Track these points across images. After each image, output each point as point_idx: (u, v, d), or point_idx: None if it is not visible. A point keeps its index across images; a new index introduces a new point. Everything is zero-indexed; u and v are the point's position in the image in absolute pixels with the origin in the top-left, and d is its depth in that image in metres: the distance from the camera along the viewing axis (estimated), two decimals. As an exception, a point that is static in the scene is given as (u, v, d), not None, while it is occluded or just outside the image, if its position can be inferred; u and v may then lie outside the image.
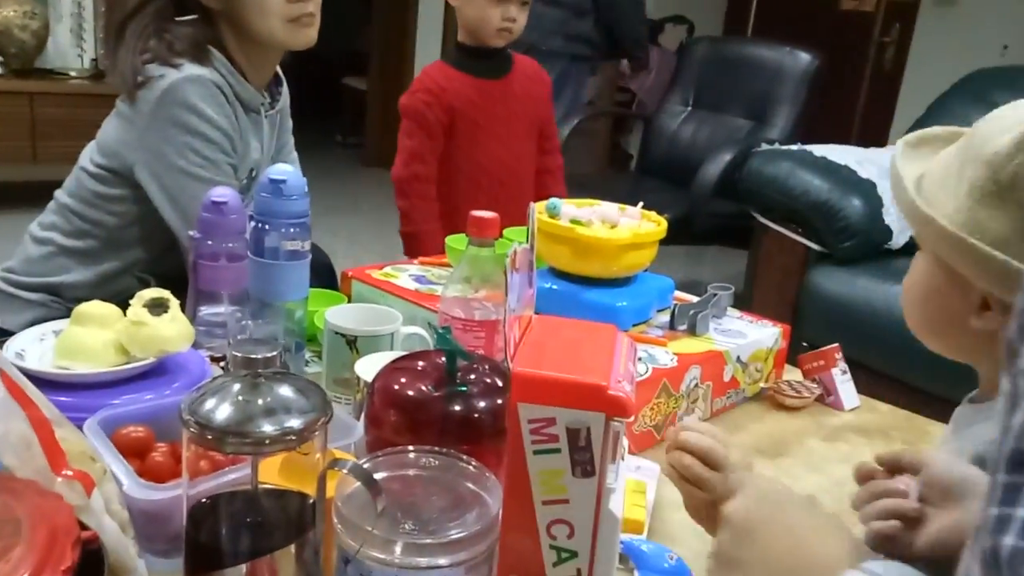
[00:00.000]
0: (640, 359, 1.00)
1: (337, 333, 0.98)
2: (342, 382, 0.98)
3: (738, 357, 1.07)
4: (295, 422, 0.56)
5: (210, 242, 1.10)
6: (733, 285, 1.16)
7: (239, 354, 0.55)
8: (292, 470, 0.63)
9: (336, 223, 3.99)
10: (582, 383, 0.53)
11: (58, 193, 1.35)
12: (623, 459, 0.61)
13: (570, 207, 1.11)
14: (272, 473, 0.66)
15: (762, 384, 1.12)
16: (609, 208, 1.12)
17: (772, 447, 1.00)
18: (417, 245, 1.75)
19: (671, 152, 2.89)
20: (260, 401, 0.56)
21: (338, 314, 1.01)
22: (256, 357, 0.55)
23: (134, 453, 0.76)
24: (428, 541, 0.61)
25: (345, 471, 0.58)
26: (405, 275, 1.24)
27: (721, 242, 2.76)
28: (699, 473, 0.61)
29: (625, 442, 0.65)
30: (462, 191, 1.75)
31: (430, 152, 1.69)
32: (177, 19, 1.29)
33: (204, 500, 0.60)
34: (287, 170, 1.01)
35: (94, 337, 0.81)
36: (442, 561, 0.60)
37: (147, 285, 1.39)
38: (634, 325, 1.10)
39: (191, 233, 1.11)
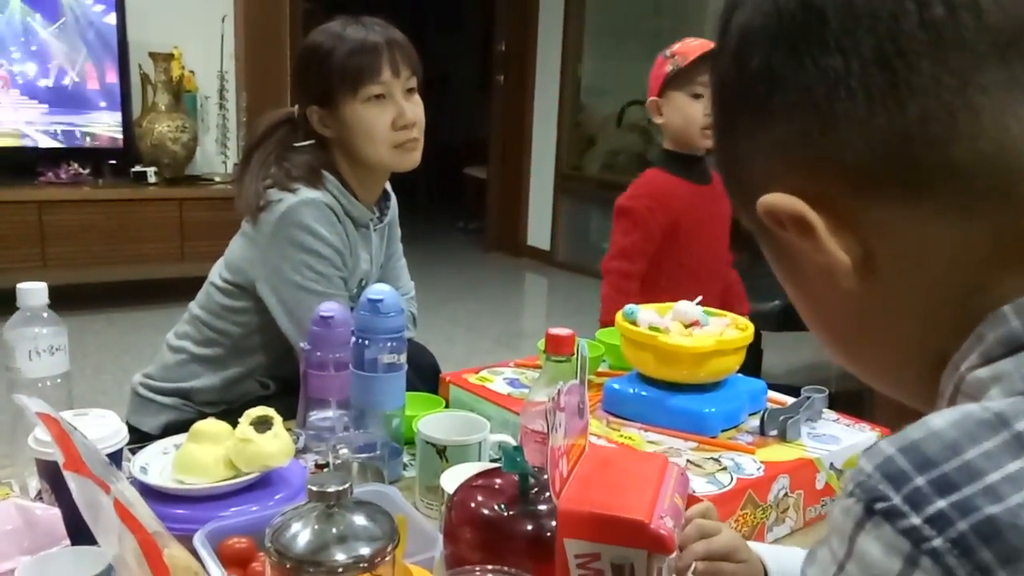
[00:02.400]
0: (724, 468, 1.00)
1: (428, 443, 1.04)
2: (433, 490, 1.03)
3: (831, 464, 1.05)
4: (365, 550, 0.61)
5: (319, 353, 1.19)
6: (826, 387, 1.14)
7: (314, 488, 0.61)
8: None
9: (457, 309, 4.12)
10: (624, 519, 0.55)
11: (191, 306, 1.50)
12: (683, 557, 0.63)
13: (648, 312, 1.14)
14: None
15: (860, 492, 1.08)
16: (685, 306, 1.13)
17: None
18: None
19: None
20: (334, 530, 0.61)
21: (430, 424, 1.06)
22: (329, 491, 0.61)
23: (237, 563, 0.82)
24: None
25: (413, 595, 0.62)
26: (500, 379, 1.29)
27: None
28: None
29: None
30: (663, 288, 1.78)
31: (641, 253, 1.75)
32: (296, 145, 1.43)
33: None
34: (384, 290, 1.09)
35: (207, 453, 0.90)
36: None
37: (267, 388, 1.51)
38: (723, 431, 1.10)
39: (302, 345, 1.21)
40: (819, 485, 1.04)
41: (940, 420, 0.32)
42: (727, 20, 0.40)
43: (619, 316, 1.16)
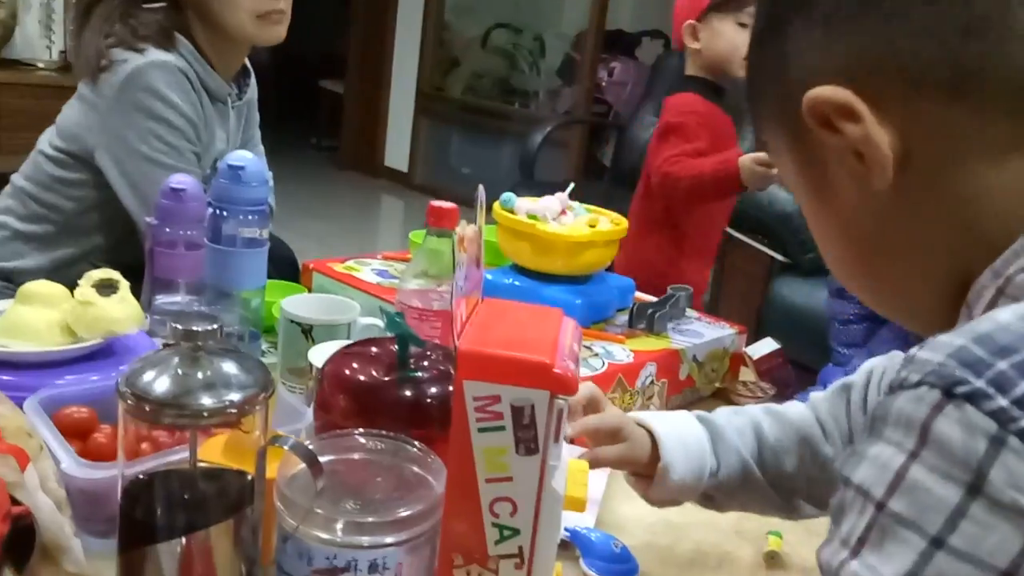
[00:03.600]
0: (596, 355, 1.00)
1: (292, 322, 0.97)
2: (296, 371, 0.97)
3: (694, 356, 1.08)
4: (235, 396, 0.55)
5: (168, 229, 1.09)
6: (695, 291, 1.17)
7: (180, 326, 0.54)
8: (235, 451, 0.62)
9: (308, 226, 3.96)
10: (527, 360, 0.53)
11: (14, 177, 1.33)
12: (566, 439, 0.61)
13: (524, 200, 1.11)
14: (215, 454, 0.65)
15: (717, 384, 1.13)
16: (550, 201, 1.12)
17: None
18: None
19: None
20: (200, 375, 0.55)
21: (294, 303, 1.00)
22: (197, 330, 0.54)
23: (76, 434, 0.74)
24: (370, 520, 0.60)
25: (286, 447, 0.58)
26: (367, 269, 1.23)
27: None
28: (614, 458, 0.67)
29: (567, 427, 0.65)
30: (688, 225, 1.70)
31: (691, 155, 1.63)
32: (145, 5, 1.28)
33: (140, 476, 0.59)
34: (246, 156, 1.00)
35: (39, 316, 0.80)
36: (383, 540, 0.59)
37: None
38: (593, 323, 1.10)
39: (148, 219, 1.10)
40: (682, 375, 1.07)
41: (1007, 314, 0.32)
42: None
43: (497, 205, 1.12)
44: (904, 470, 0.32)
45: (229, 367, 0.57)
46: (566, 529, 0.76)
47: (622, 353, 1.01)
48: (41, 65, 3.55)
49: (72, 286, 1.29)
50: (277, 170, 1.34)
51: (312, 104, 5.84)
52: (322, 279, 1.20)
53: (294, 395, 0.93)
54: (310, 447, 0.58)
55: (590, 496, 0.83)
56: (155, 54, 1.22)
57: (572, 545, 0.75)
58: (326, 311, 0.99)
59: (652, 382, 1.02)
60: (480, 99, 4.66)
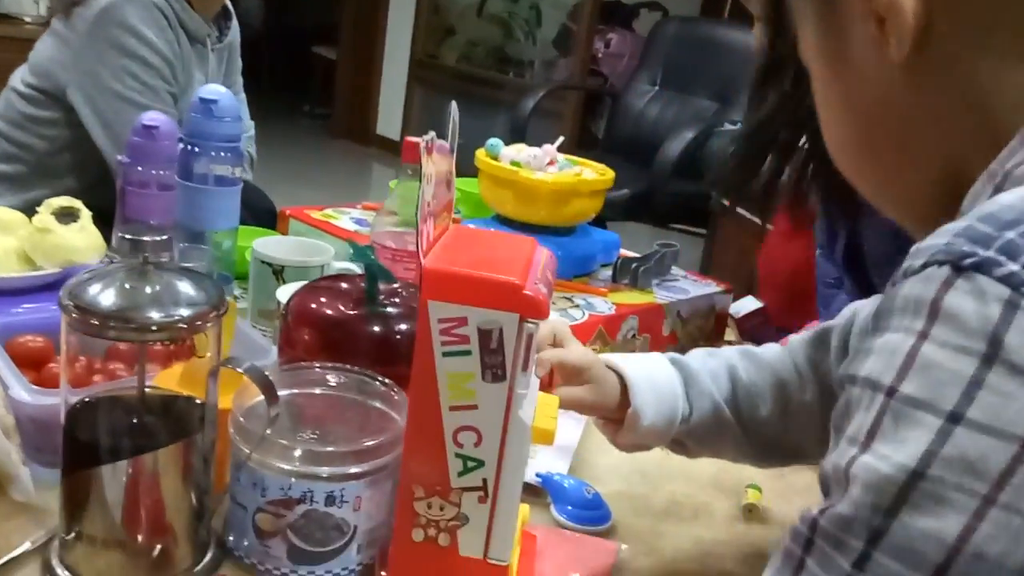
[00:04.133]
0: (577, 306, 0.97)
1: (263, 262, 0.94)
2: (266, 314, 0.94)
3: (678, 312, 1.05)
4: (185, 311, 0.52)
5: (139, 168, 1.05)
6: (690, 265, 1.14)
7: (127, 235, 0.51)
8: (191, 381, 0.60)
9: (299, 193, 3.90)
10: (496, 280, 0.50)
11: (-14, 115, 1.29)
12: (535, 370, 0.58)
13: (509, 149, 1.08)
14: (171, 384, 0.62)
15: (701, 342, 1.10)
16: (535, 151, 1.08)
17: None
18: None
19: (636, 131, 2.87)
20: (148, 289, 0.52)
21: (266, 244, 0.97)
22: (144, 239, 0.51)
23: (30, 363, 0.71)
24: (327, 449, 0.58)
25: (239, 370, 0.55)
26: (346, 218, 1.20)
27: (682, 222, 2.74)
28: (578, 399, 0.65)
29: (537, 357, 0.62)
30: None
31: None
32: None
33: (86, 399, 0.56)
34: (219, 90, 0.96)
35: (-5, 242, 0.76)
36: (341, 471, 0.56)
37: (76, 219, 1.33)
38: (576, 276, 1.07)
39: (119, 158, 1.06)
40: (665, 331, 1.04)
41: (1010, 196, 0.32)
42: None
43: (481, 152, 1.09)
44: (915, 351, 0.31)
45: (180, 283, 0.53)
46: (537, 475, 0.74)
47: (604, 305, 0.99)
48: (28, 20, 3.48)
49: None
50: (270, 137, 1.30)
51: (306, 71, 5.76)
52: (298, 226, 1.16)
53: (265, 339, 0.90)
54: (263, 371, 0.55)
55: (564, 444, 0.81)
56: (131, -12, 1.18)
57: (544, 492, 0.73)
58: (298, 252, 0.96)
59: (634, 336, 0.99)
60: (474, 68, 4.59)
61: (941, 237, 0.32)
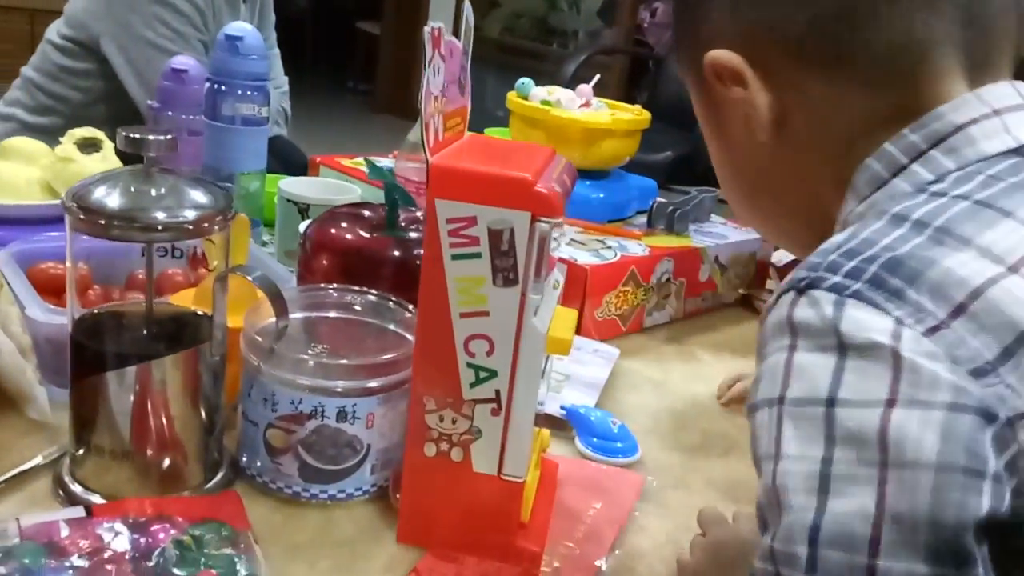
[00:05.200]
0: (610, 247, 0.94)
1: (290, 201, 0.93)
2: (293, 254, 0.93)
3: (716, 257, 1.01)
4: (191, 213, 0.50)
5: (170, 113, 1.05)
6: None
7: (130, 134, 0.49)
8: (205, 299, 0.58)
9: (339, 164, 3.92)
10: (507, 176, 0.47)
11: (24, 69, 1.30)
12: (556, 280, 0.56)
13: (540, 89, 1.05)
14: (185, 302, 0.61)
15: (741, 290, 1.06)
16: (568, 92, 1.05)
17: (744, 348, 0.94)
18: None
19: (680, 95, 2.80)
20: (153, 191, 0.51)
21: (292, 183, 0.95)
22: (148, 138, 0.49)
23: (51, 290, 0.71)
24: (339, 362, 0.56)
25: (249, 277, 0.53)
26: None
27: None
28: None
29: (560, 275, 0.59)
30: None
31: None
32: None
33: (95, 311, 0.55)
34: (245, 27, 0.95)
35: (18, 172, 0.76)
36: (353, 386, 0.55)
37: (113, 169, 1.34)
38: (610, 222, 1.04)
39: (149, 103, 1.06)
40: (702, 277, 1.00)
41: (837, 236, 0.39)
42: None
43: (511, 94, 1.06)
44: (789, 361, 0.36)
45: (186, 186, 0.52)
46: (562, 407, 0.71)
47: (637, 247, 0.95)
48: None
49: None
50: (313, 113, 1.29)
51: (349, 46, 5.76)
52: (328, 172, 1.15)
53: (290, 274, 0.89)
54: (274, 282, 0.53)
55: (591, 379, 0.78)
56: (161, -65, 1.17)
57: (569, 426, 0.70)
58: (324, 191, 0.95)
59: (669, 279, 0.96)
60: (517, 39, 4.54)
61: (789, 278, 0.38)
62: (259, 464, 0.57)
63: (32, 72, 1.28)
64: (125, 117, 1.26)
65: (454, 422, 0.51)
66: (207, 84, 0.96)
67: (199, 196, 0.52)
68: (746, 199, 0.52)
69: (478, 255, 0.48)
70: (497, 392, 0.50)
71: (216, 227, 0.51)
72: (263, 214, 1.03)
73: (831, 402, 0.34)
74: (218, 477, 0.57)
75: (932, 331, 0.33)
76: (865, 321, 0.34)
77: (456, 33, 0.53)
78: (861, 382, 0.34)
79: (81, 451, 0.54)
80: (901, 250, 0.36)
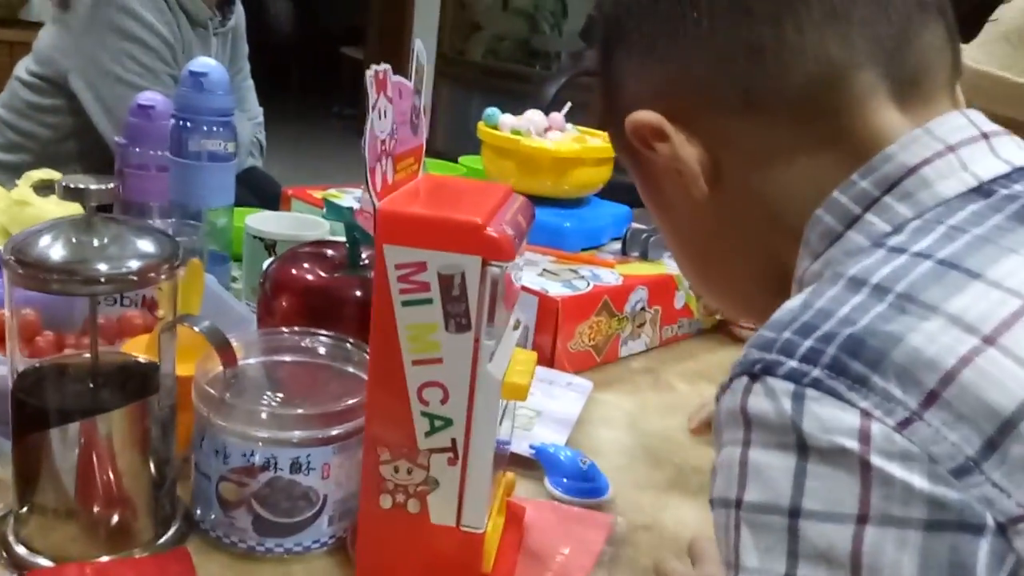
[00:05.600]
0: (582, 277, 0.93)
1: (256, 237, 0.91)
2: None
3: (691, 285, 1.00)
4: (135, 263, 0.49)
5: (137, 149, 1.03)
6: None
7: (68, 184, 0.48)
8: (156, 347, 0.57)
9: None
10: (456, 220, 0.46)
11: (-7, 106, 1.29)
12: (516, 321, 0.54)
13: (508, 116, 1.04)
14: (139, 350, 0.59)
15: (719, 316, 1.05)
16: (533, 114, 1.04)
17: (721, 376, 0.92)
18: None
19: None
20: (96, 242, 0.49)
21: (259, 219, 0.94)
22: (88, 188, 0.48)
23: (2, 337, 0.69)
24: (292, 412, 0.54)
25: (196, 328, 0.51)
26: (350, 197, 1.17)
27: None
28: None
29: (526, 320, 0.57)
30: None
31: None
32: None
33: (38, 364, 0.53)
34: (209, 63, 0.94)
35: (-26, 216, 0.74)
36: (306, 436, 0.53)
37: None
38: (583, 250, 1.03)
39: (117, 139, 1.04)
40: (678, 304, 0.99)
41: (791, 301, 0.36)
42: None
43: (481, 124, 1.05)
44: (744, 458, 0.33)
45: (130, 235, 0.50)
46: (531, 446, 0.69)
47: (611, 277, 0.94)
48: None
49: (50, 218, 1.24)
50: (299, 138, 1.28)
51: (334, 72, 5.78)
52: (300, 205, 1.14)
53: (253, 313, 0.88)
54: (222, 332, 0.52)
55: (563, 416, 0.77)
56: (129, -29, 1.16)
57: (539, 465, 0.69)
58: (292, 227, 0.93)
59: (643, 308, 0.95)
60: (501, 62, 4.56)
61: (743, 351, 0.35)
62: (213, 518, 0.55)
63: (1, 109, 1.26)
64: (95, 153, 1.25)
65: (410, 472, 0.49)
66: (172, 120, 0.95)
67: (144, 245, 0.50)
68: (700, 269, 0.48)
69: (429, 301, 0.47)
70: (453, 441, 0.49)
71: (162, 276, 0.50)
72: (231, 249, 1.01)
73: (795, 513, 0.31)
74: (170, 532, 0.55)
75: (904, 424, 0.30)
76: (828, 419, 0.30)
77: (406, 72, 0.52)
78: (828, 491, 0.30)
79: (25, 509, 0.52)
80: (861, 323, 0.32)
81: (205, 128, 0.94)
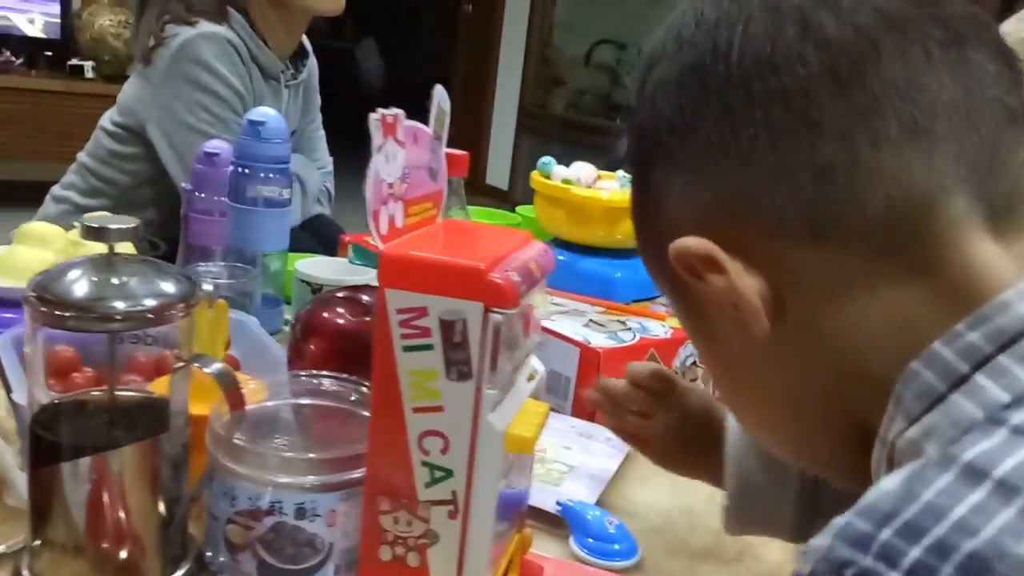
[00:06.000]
0: (629, 329, 0.90)
1: (303, 281, 0.93)
2: (307, 334, 0.92)
3: (747, 339, 0.96)
4: (151, 302, 0.50)
5: (202, 195, 1.07)
6: None
7: (89, 224, 0.49)
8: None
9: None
10: (458, 265, 0.45)
11: (79, 154, 1.36)
12: (533, 371, 0.52)
13: (561, 167, 1.03)
14: (165, 389, 0.60)
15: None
16: (583, 165, 1.03)
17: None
18: None
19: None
20: (115, 280, 0.50)
21: (308, 264, 0.95)
22: (108, 227, 0.49)
23: (57, 372, 0.71)
24: (297, 456, 0.53)
25: (206, 369, 0.52)
26: (405, 244, 1.17)
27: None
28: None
29: (537, 365, 0.55)
30: None
31: None
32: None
33: (56, 400, 0.54)
34: (268, 112, 0.97)
35: (33, 256, 0.78)
36: (311, 481, 0.52)
37: (157, 248, 1.38)
38: (635, 301, 1.00)
39: (184, 185, 1.08)
40: (732, 360, 0.95)
41: (888, 481, 0.30)
42: (645, 77, 0.40)
43: (535, 173, 1.05)
44: None
45: (149, 274, 0.51)
46: (558, 503, 0.67)
47: (660, 329, 0.91)
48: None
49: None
50: None
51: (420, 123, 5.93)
52: (359, 250, 1.15)
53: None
54: (233, 374, 0.52)
55: (596, 471, 0.74)
56: (205, 26, 1.22)
57: (562, 521, 0.66)
58: (339, 272, 0.94)
59: (695, 363, 0.91)
60: (582, 115, 4.60)
61: (826, 535, 0.30)
62: (221, 560, 0.54)
63: (85, 157, 1.34)
64: (168, 199, 1.30)
65: (409, 524, 0.48)
66: (231, 168, 0.98)
67: (162, 284, 0.51)
68: (763, 423, 0.42)
69: (430, 347, 0.45)
70: (454, 493, 0.47)
71: (179, 314, 0.50)
72: (284, 293, 1.03)
73: None
74: (180, 573, 0.55)
75: None
76: None
77: (426, 119, 0.52)
78: None
79: (38, 543, 0.52)
80: (984, 534, 0.26)
81: (262, 175, 0.97)
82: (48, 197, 1.37)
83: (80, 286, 0.50)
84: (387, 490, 0.48)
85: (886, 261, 0.34)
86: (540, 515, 0.67)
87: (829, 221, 0.34)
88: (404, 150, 0.48)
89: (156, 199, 1.32)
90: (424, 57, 5.90)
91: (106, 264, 0.50)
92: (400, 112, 0.48)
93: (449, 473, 0.47)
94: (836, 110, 0.34)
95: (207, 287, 0.91)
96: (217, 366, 0.52)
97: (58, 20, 3.62)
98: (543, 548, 0.63)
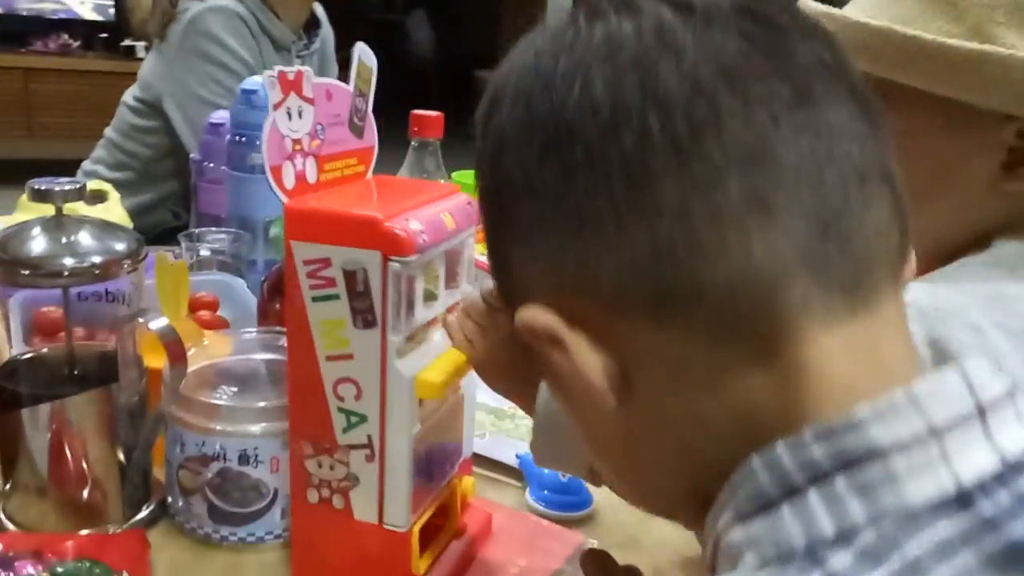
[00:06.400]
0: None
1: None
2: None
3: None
4: (98, 259, 0.53)
5: (211, 164, 1.11)
6: None
7: (36, 187, 0.52)
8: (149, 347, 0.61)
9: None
10: (355, 216, 0.46)
11: (106, 130, 1.42)
12: (440, 324, 0.54)
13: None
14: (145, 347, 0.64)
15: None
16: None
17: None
18: None
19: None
20: (64, 239, 0.53)
21: (302, 228, 0.98)
22: (54, 189, 0.52)
23: (49, 331, 0.76)
24: (238, 405, 0.56)
25: (150, 326, 0.55)
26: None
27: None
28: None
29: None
30: None
31: None
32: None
33: (20, 356, 0.58)
34: (258, 81, 0.99)
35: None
36: (251, 428, 0.55)
37: (179, 218, 1.43)
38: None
39: (192, 156, 1.12)
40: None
41: None
42: (486, 121, 0.37)
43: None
44: None
45: (96, 232, 0.54)
46: (516, 455, 0.68)
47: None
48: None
49: (152, 231, 1.35)
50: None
51: (469, 95, 5.94)
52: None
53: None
54: (175, 331, 0.55)
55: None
56: (214, 0, 1.25)
57: (519, 472, 0.68)
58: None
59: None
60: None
61: None
62: (178, 504, 0.58)
63: (111, 132, 1.39)
64: (188, 170, 1.34)
65: (332, 468, 0.50)
66: (228, 136, 1.02)
67: (109, 242, 0.54)
68: (618, 476, 0.41)
69: (336, 296, 0.47)
70: (369, 438, 0.49)
71: (127, 270, 0.54)
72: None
73: None
74: (142, 514, 0.58)
75: None
76: None
77: (346, 76, 0.53)
78: None
79: (8, 486, 0.57)
80: None
81: (257, 143, 1.00)
82: (79, 173, 1.43)
83: (35, 244, 0.53)
84: (309, 435, 0.50)
85: (729, 348, 0.32)
86: (502, 468, 0.69)
87: (671, 302, 0.32)
88: (314, 107, 0.50)
89: (177, 171, 1.36)
90: (471, 26, 5.89)
91: (55, 225, 0.54)
92: (306, 69, 0.49)
93: (363, 418, 0.49)
94: (675, 182, 0.31)
95: (204, 252, 0.95)
96: (160, 322, 0.55)
97: (111, 1, 3.73)
98: (502, 499, 0.65)
